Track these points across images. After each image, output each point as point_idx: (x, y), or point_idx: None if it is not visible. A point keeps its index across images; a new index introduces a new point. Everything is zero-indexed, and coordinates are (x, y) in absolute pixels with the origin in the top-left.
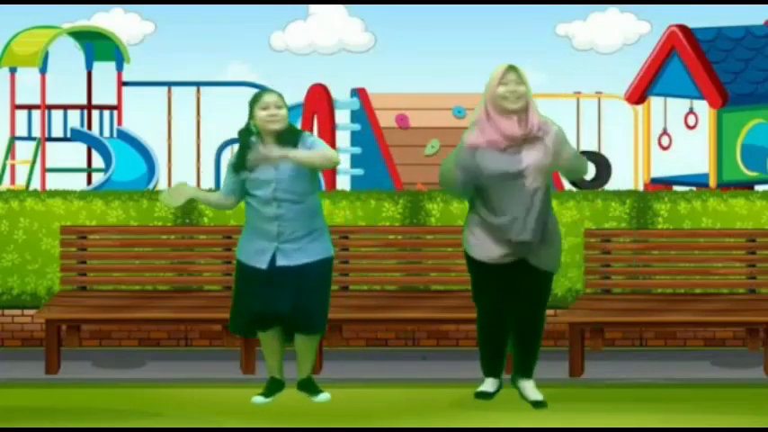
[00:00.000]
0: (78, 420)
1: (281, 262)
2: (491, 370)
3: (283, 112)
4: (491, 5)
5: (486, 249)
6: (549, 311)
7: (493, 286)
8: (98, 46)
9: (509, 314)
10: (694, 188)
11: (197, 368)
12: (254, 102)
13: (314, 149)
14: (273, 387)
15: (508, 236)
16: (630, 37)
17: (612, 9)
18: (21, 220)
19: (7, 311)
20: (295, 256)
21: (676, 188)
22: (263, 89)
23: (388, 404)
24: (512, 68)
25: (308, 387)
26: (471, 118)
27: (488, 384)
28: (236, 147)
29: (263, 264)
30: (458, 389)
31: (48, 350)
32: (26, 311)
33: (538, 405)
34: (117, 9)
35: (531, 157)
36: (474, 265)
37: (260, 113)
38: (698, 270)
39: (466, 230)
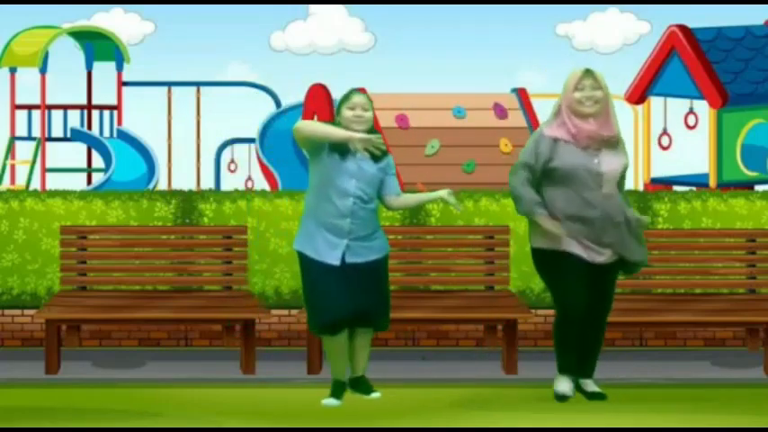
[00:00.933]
0: (78, 420)
1: (351, 259)
2: (570, 367)
3: (369, 114)
4: (491, 5)
5: (581, 245)
6: (549, 311)
7: (583, 283)
8: (98, 46)
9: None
10: (694, 188)
11: (197, 368)
12: (342, 100)
13: (389, 171)
14: (342, 388)
15: (592, 233)
16: (630, 37)
17: (612, 9)
18: (21, 220)
19: (7, 311)
20: (363, 252)
21: (676, 188)
22: (349, 90)
23: (388, 404)
24: (588, 73)
25: (363, 385)
26: (552, 111)
27: (567, 385)
28: (236, 147)
29: (335, 260)
30: (458, 389)
31: (48, 350)
32: (26, 311)
33: (593, 396)
34: (117, 9)
35: (608, 163)
36: (561, 258)
37: (346, 113)
38: (698, 270)
39: (538, 226)
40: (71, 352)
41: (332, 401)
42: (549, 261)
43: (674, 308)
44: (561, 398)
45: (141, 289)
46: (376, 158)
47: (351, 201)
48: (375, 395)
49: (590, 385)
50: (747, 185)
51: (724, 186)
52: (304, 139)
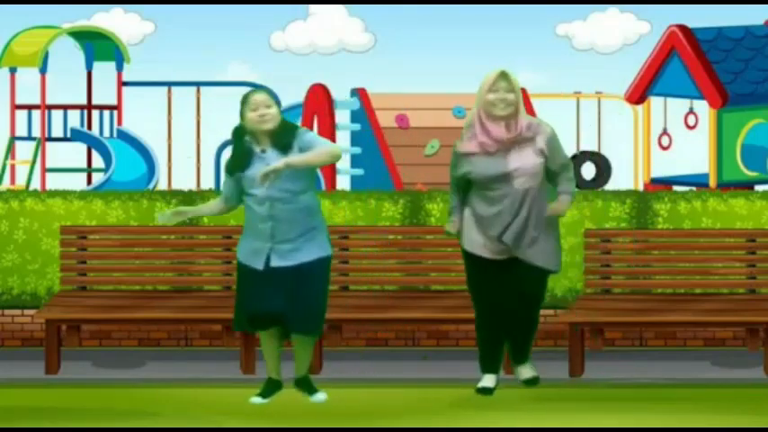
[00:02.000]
0: (78, 420)
1: (275, 263)
2: (489, 366)
3: (273, 110)
4: (491, 5)
5: (478, 243)
6: (549, 311)
7: (486, 281)
8: (98, 46)
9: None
10: (694, 188)
11: (197, 368)
12: (242, 103)
13: (313, 146)
14: (271, 387)
15: (494, 232)
16: (630, 37)
17: (612, 9)
18: (21, 220)
19: (7, 311)
20: (290, 256)
21: (676, 188)
22: (248, 92)
23: (388, 404)
24: (503, 75)
25: (305, 386)
26: (465, 122)
27: (488, 380)
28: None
29: (258, 264)
30: (458, 389)
31: (48, 350)
32: (26, 311)
33: (529, 383)
34: (117, 9)
35: (519, 160)
36: (467, 257)
37: (250, 115)
38: (698, 270)
39: (463, 225)
40: (71, 352)
41: (256, 399)
42: (464, 257)
43: (674, 308)
44: (483, 390)
45: (141, 289)
46: (284, 149)
47: (267, 204)
48: (319, 397)
49: (525, 372)
50: (747, 185)
51: (724, 186)
52: (213, 214)
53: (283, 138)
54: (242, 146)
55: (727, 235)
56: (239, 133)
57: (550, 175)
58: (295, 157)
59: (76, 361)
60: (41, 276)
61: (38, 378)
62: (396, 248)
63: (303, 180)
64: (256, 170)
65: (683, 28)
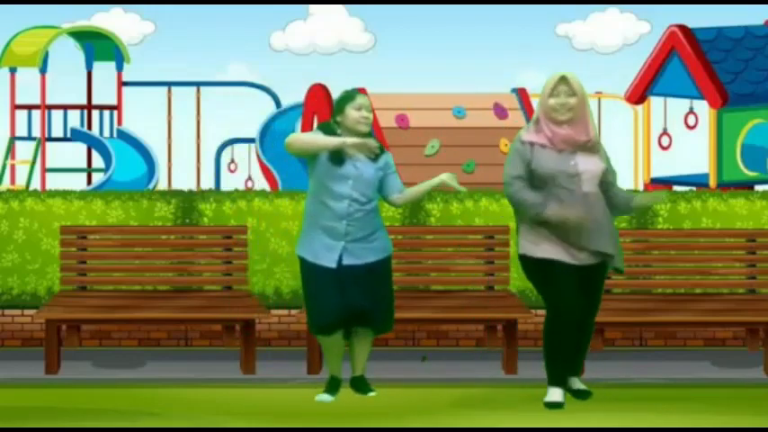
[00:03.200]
0: (78, 420)
1: (348, 261)
2: (562, 379)
3: (371, 116)
4: (491, 5)
5: (558, 249)
6: None
7: (567, 282)
8: (98, 46)
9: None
10: (694, 188)
11: (197, 368)
12: (346, 100)
13: (392, 170)
14: (336, 385)
15: (569, 234)
16: (630, 37)
17: (612, 9)
18: (21, 220)
19: (7, 311)
20: (361, 254)
21: (676, 188)
22: (351, 90)
23: (388, 404)
24: (563, 79)
25: (361, 385)
26: (533, 117)
27: (559, 394)
28: (236, 147)
29: (331, 262)
30: (458, 389)
31: (48, 350)
32: (26, 311)
33: (581, 395)
34: (117, 9)
35: (587, 162)
36: (545, 265)
37: (353, 113)
38: (698, 270)
39: (527, 234)
40: (71, 352)
41: (324, 397)
42: (537, 268)
43: (674, 308)
44: (555, 405)
45: (141, 289)
46: (373, 159)
47: (346, 203)
48: (372, 395)
49: (577, 383)
50: (747, 185)
51: (724, 186)
52: (297, 153)
53: (374, 144)
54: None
55: (727, 235)
56: (332, 129)
57: (606, 186)
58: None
59: (76, 361)
60: (41, 276)
61: (38, 378)
62: (396, 248)
63: (377, 186)
64: (346, 169)
65: (683, 28)
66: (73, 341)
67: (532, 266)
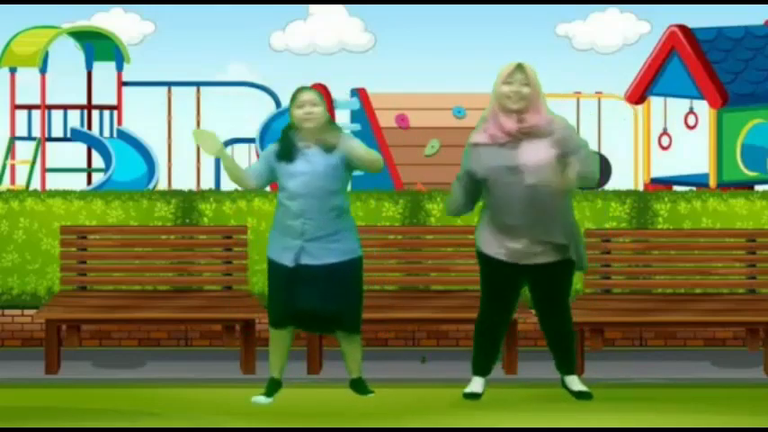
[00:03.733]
0: (78, 420)
1: (305, 260)
2: (481, 369)
3: (319, 109)
4: (491, 5)
5: (497, 247)
6: None
7: (504, 287)
8: (98, 46)
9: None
10: (694, 188)
11: (197, 368)
12: (290, 101)
13: (358, 150)
14: (274, 387)
15: (516, 233)
16: (630, 37)
17: (612, 9)
18: (21, 220)
19: (7, 311)
20: (320, 255)
21: (676, 188)
22: (297, 89)
23: (388, 404)
24: (519, 68)
25: (358, 387)
26: (482, 114)
27: (477, 385)
28: (236, 147)
29: (288, 261)
30: (458, 389)
31: (48, 350)
32: (26, 311)
33: (581, 396)
34: (117, 9)
35: (531, 154)
36: (484, 260)
37: (296, 112)
38: (698, 270)
39: (479, 228)
40: (71, 352)
41: (260, 399)
42: (482, 263)
43: (674, 308)
44: (470, 396)
45: (141, 289)
46: (328, 149)
47: (301, 201)
48: (371, 397)
49: (575, 383)
50: (747, 185)
51: (724, 186)
52: (236, 178)
53: (328, 137)
54: (288, 138)
55: (727, 235)
56: (286, 129)
57: (569, 160)
58: (356, 145)
59: (76, 361)
60: (41, 276)
61: (38, 378)
62: (396, 248)
63: (338, 181)
64: (296, 164)
65: (683, 28)
66: (73, 341)
67: (482, 261)
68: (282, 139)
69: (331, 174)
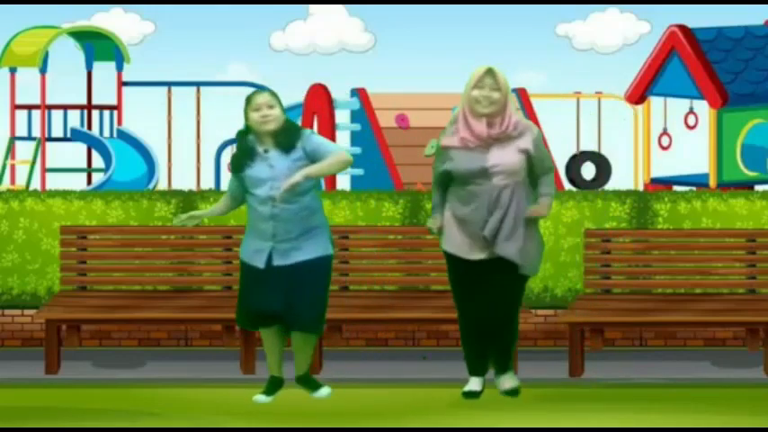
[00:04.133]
0: (78, 420)
1: (276, 261)
2: (474, 369)
3: (276, 111)
4: (491, 5)
5: (457, 243)
6: (549, 311)
7: (467, 284)
8: (98, 46)
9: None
10: (694, 188)
11: (197, 368)
12: (246, 104)
13: (320, 150)
14: (273, 385)
15: (471, 228)
16: (630, 37)
17: (612, 9)
18: (21, 220)
19: (7, 311)
20: (291, 254)
21: (676, 188)
22: (257, 89)
23: (388, 404)
24: (489, 72)
25: (307, 383)
26: (451, 117)
27: (474, 383)
28: (236, 147)
29: (260, 263)
30: (458, 389)
31: (48, 350)
32: (26, 311)
33: (509, 393)
34: (117, 9)
35: (500, 156)
36: (447, 258)
37: (253, 115)
38: (698, 270)
39: (444, 225)
40: (71, 352)
41: (260, 397)
42: (447, 261)
43: (674, 308)
44: (469, 394)
45: (141, 289)
46: (287, 150)
47: (269, 204)
48: (323, 392)
49: (505, 383)
50: (747, 185)
51: (724, 186)
52: (222, 214)
53: (287, 139)
54: (245, 145)
55: (727, 235)
56: (243, 133)
57: (533, 178)
58: (312, 168)
59: (76, 361)
60: (41, 276)
61: (38, 378)
62: (396, 248)
63: (307, 181)
64: (259, 170)
65: (683, 28)
66: (73, 341)
67: (446, 259)
68: (240, 146)
69: (298, 169)
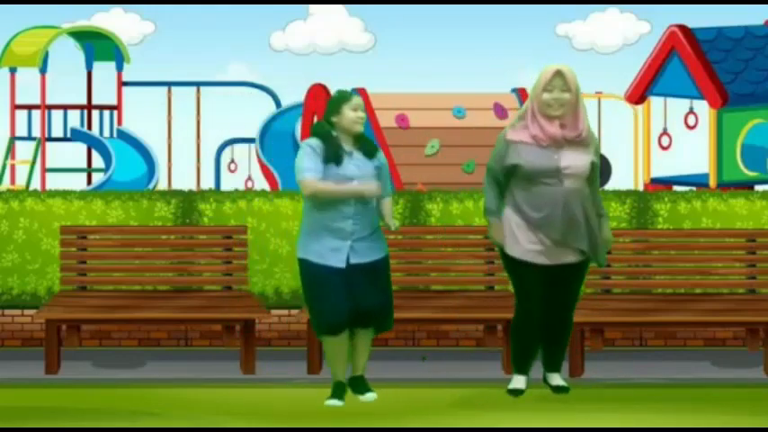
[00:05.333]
0: (78, 420)
1: (354, 260)
2: (522, 368)
3: (365, 116)
4: (491, 5)
5: (525, 249)
6: None
7: (534, 285)
8: (98, 46)
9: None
10: (694, 188)
11: (197, 368)
12: (343, 100)
13: (384, 175)
14: (343, 390)
15: (543, 233)
16: (630, 37)
17: (612, 9)
18: (21, 220)
19: (7, 311)
20: (367, 253)
21: (676, 188)
22: (345, 91)
23: (388, 404)
24: (558, 74)
25: (362, 384)
26: (518, 112)
27: (520, 381)
28: (236, 147)
29: (339, 262)
30: (458, 389)
31: (48, 350)
32: (26, 311)
33: (561, 390)
34: (117, 9)
35: (571, 158)
36: (513, 264)
37: (350, 114)
38: (698, 270)
39: (509, 230)
40: (71, 352)
41: (335, 402)
42: (510, 264)
43: (674, 308)
44: (514, 392)
45: (141, 289)
46: (369, 155)
47: (353, 203)
48: (369, 396)
49: (555, 378)
50: (747, 185)
51: (724, 186)
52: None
53: (371, 145)
54: (334, 141)
55: (727, 235)
56: (323, 128)
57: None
58: (387, 208)
59: (76, 361)
60: (41, 276)
61: (38, 378)
62: (396, 248)
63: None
64: (346, 168)
65: (683, 28)
66: (73, 341)
67: (508, 262)
68: (326, 141)
69: (376, 177)
